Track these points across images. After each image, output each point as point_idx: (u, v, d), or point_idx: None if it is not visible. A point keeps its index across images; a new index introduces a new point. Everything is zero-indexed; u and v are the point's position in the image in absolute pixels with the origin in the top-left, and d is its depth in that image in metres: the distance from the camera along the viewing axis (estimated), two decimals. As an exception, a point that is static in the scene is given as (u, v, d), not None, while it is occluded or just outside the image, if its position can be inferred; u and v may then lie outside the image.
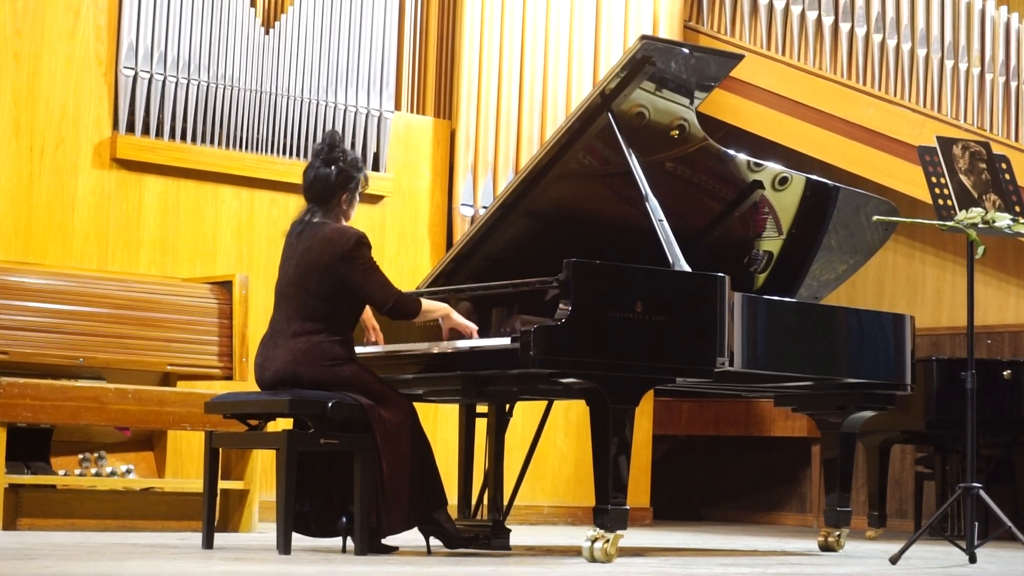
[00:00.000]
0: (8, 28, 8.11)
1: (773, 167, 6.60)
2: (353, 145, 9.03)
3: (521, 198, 6.38)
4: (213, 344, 7.59)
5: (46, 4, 8.21)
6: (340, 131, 9.00)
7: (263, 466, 7.51)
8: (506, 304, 5.82)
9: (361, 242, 5.66)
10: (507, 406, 6.24)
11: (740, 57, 6.54)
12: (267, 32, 8.90)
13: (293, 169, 8.77)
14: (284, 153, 8.89)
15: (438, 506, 5.69)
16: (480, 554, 5.86)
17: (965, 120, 9.49)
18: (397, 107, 9.43)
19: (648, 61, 6.06)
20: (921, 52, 9.63)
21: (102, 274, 7.72)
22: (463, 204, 9.51)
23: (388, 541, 5.69)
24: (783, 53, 10.06)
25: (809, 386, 6.67)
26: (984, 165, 6.33)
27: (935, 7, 9.63)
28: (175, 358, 7.50)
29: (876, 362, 6.58)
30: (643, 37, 6.09)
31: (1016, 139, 9.36)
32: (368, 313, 6.00)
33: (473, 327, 5.75)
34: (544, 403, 6.56)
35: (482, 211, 9.35)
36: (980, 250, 6.16)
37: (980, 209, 6.18)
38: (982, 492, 6.07)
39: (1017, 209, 6.29)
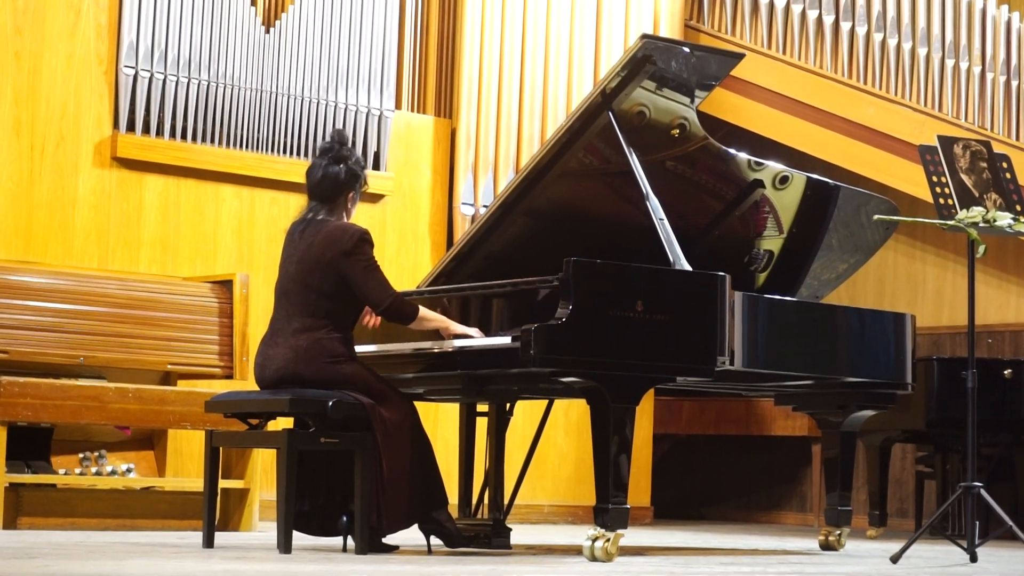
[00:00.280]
0: (9, 27, 8.11)
1: (774, 166, 6.59)
2: (353, 144, 9.02)
3: (522, 197, 6.38)
4: (214, 343, 7.59)
5: (47, 3, 8.21)
6: (334, 128, 8.99)
7: (263, 465, 7.51)
8: (507, 303, 5.82)
9: (364, 239, 5.67)
10: (507, 405, 6.24)
11: (741, 56, 6.53)
12: (267, 31, 8.90)
13: (294, 168, 8.78)
14: (285, 152, 8.89)
15: (439, 505, 5.69)
16: (481, 553, 5.86)
17: (966, 119, 9.49)
18: (398, 106, 9.43)
19: (649, 60, 6.06)
20: (922, 51, 9.63)
21: (102, 273, 7.72)
22: (463, 203, 9.51)
23: (389, 540, 5.69)
24: (784, 52, 10.06)
25: (809, 385, 6.67)
26: (985, 164, 6.32)
27: (936, 6, 9.63)
28: (175, 357, 7.50)
29: (877, 361, 6.58)
30: (644, 36, 6.09)
31: (1017, 138, 9.36)
32: None
33: (476, 331, 5.75)
34: (544, 402, 6.56)
35: (483, 210, 9.34)
36: (981, 249, 6.15)
37: (981, 208, 6.18)
38: (983, 491, 6.07)
39: (1018, 208, 6.29)
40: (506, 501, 6.19)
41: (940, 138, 6.34)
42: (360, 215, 6.06)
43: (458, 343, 5.73)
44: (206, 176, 8.65)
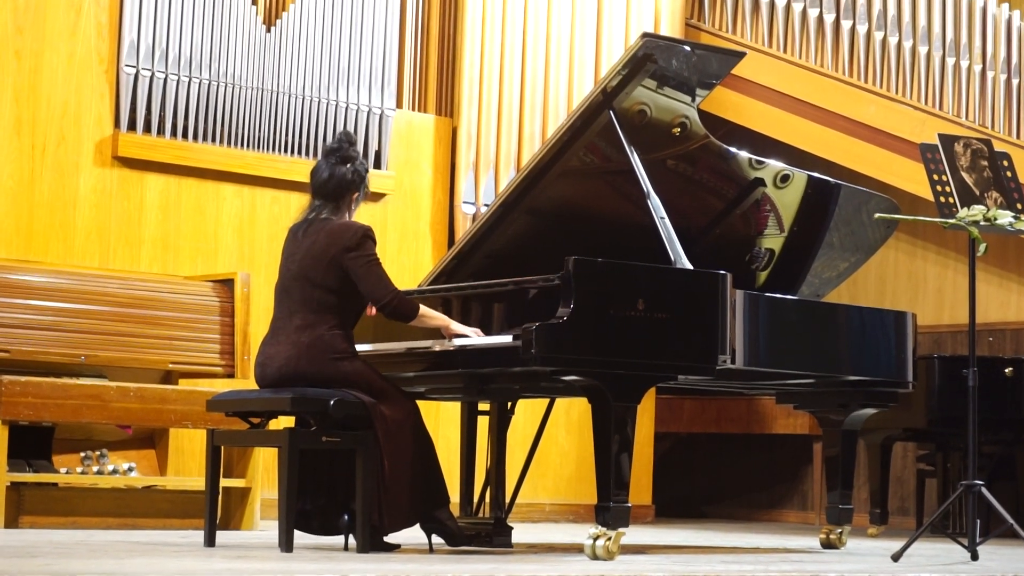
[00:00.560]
0: (9, 26, 8.11)
1: (775, 165, 6.60)
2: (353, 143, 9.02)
3: (523, 196, 6.38)
4: (215, 342, 7.59)
5: (47, 2, 8.21)
6: (341, 129, 9.00)
7: (265, 464, 7.51)
8: (508, 302, 5.82)
9: (368, 236, 5.68)
10: (509, 404, 6.24)
11: (741, 55, 6.53)
12: (268, 30, 8.90)
13: (295, 167, 8.78)
14: (286, 151, 8.89)
15: (440, 504, 5.69)
16: (482, 552, 5.86)
17: (967, 117, 9.49)
18: (399, 105, 9.43)
19: (650, 59, 6.06)
20: (922, 49, 9.63)
21: (104, 272, 7.72)
22: (464, 202, 9.51)
23: (390, 539, 5.69)
24: (784, 50, 10.06)
25: (811, 384, 6.67)
26: (986, 162, 6.32)
27: (936, 4, 9.63)
28: (177, 356, 7.51)
29: (878, 359, 6.58)
30: (644, 35, 6.09)
31: (1018, 136, 9.36)
32: None
33: (476, 330, 5.75)
34: (546, 401, 6.56)
35: (483, 209, 9.34)
36: (982, 248, 6.16)
37: (982, 207, 6.18)
38: (984, 489, 6.08)
39: (1019, 206, 6.29)
40: (507, 500, 6.19)
41: (941, 136, 6.34)
42: (361, 214, 6.06)
43: (459, 342, 5.73)
44: (207, 175, 8.65)
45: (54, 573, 4.16)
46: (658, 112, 6.24)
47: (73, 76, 8.28)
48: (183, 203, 8.59)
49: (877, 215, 6.71)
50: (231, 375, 7.63)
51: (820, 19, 9.96)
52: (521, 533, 6.78)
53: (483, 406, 6.34)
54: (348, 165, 5.79)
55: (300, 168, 8.80)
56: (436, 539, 5.79)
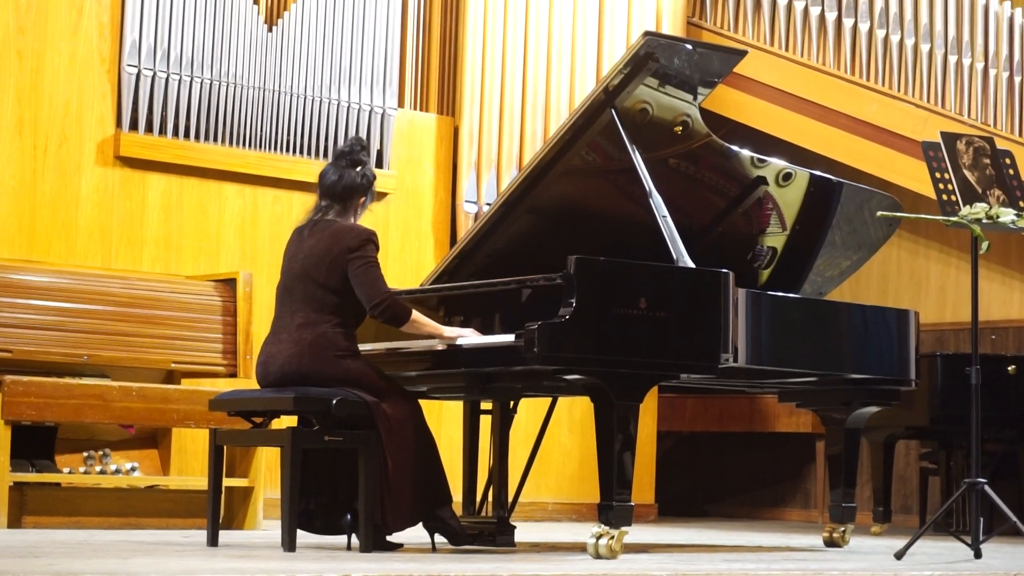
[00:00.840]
0: (11, 25, 8.12)
1: (777, 163, 6.59)
2: (356, 142, 9.02)
3: (524, 195, 6.38)
4: (217, 342, 7.59)
5: (49, 2, 8.22)
6: (343, 128, 9.01)
7: (267, 463, 7.51)
8: (510, 301, 5.82)
9: (370, 240, 5.69)
10: (511, 403, 6.24)
11: (743, 53, 6.53)
12: (270, 29, 8.90)
13: (296, 166, 8.78)
14: (287, 150, 8.89)
15: (443, 503, 5.69)
16: (485, 551, 5.86)
17: (969, 115, 9.48)
18: (400, 104, 9.43)
19: (651, 57, 6.05)
20: (924, 47, 9.63)
21: (106, 272, 7.72)
22: (467, 201, 9.51)
23: (393, 538, 5.69)
24: (786, 49, 10.06)
25: (813, 382, 6.67)
26: (988, 160, 6.32)
27: (938, 2, 9.63)
28: (179, 356, 7.51)
29: (880, 358, 6.57)
30: (646, 33, 6.08)
31: (1020, 134, 9.35)
32: None
33: (470, 330, 5.75)
34: (548, 400, 6.56)
35: (485, 208, 9.35)
36: (984, 245, 6.15)
37: (984, 204, 6.18)
38: (987, 487, 6.07)
39: (1021, 204, 6.28)
40: (510, 499, 6.19)
41: (943, 134, 6.34)
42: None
43: (462, 341, 5.72)
44: (209, 175, 8.65)
45: (57, 573, 4.16)
46: (660, 111, 6.24)
47: (75, 76, 8.29)
48: (185, 203, 8.59)
49: (879, 213, 6.70)
50: (233, 375, 7.63)
51: (822, 17, 9.95)
52: (524, 532, 6.78)
53: (485, 405, 6.34)
54: (358, 169, 5.81)
55: (302, 168, 8.80)
56: (439, 538, 5.78)
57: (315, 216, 5.81)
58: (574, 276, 5.51)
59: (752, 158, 6.52)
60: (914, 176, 9.29)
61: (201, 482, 6.96)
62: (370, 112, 9.14)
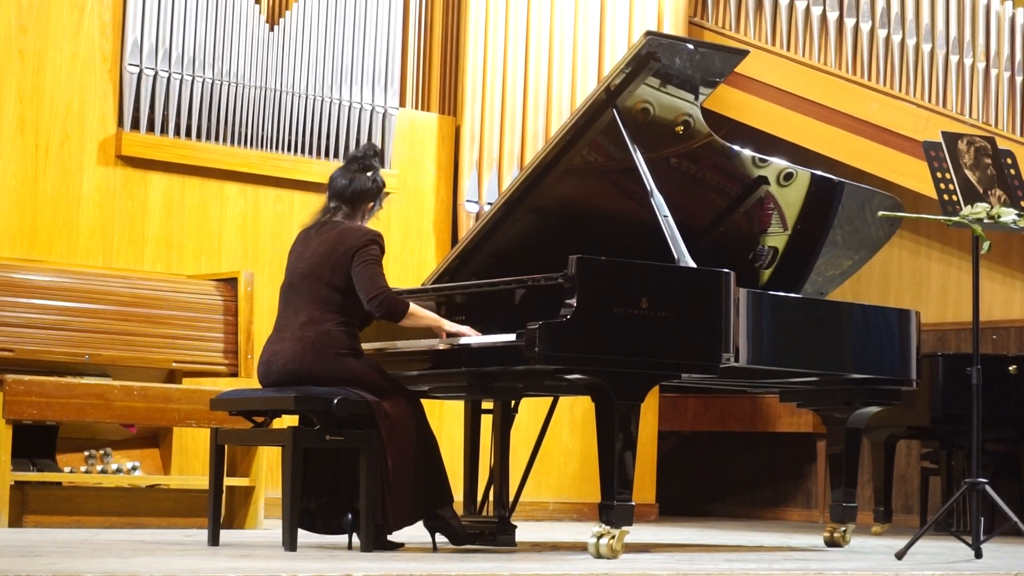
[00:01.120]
0: (13, 25, 8.12)
1: (778, 163, 6.59)
2: (358, 142, 9.03)
3: (526, 194, 6.38)
4: (218, 341, 7.60)
5: (50, 1, 8.22)
6: (345, 128, 9.02)
7: (269, 463, 7.51)
8: (511, 300, 5.82)
9: (375, 241, 5.70)
10: (512, 402, 6.24)
11: (745, 53, 6.53)
12: (272, 29, 8.90)
13: (298, 166, 8.78)
14: (289, 150, 8.89)
15: (444, 502, 5.69)
16: (486, 550, 5.86)
17: (970, 115, 9.48)
18: (402, 104, 9.43)
19: (653, 57, 6.05)
20: (926, 47, 9.63)
21: (107, 271, 7.72)
22: (468, 200, 9.51)
23: (394, 537, 5.69)
24: (788, 49, 10.06)
25: (814, 382, 6.67)
26: (989, 160, 6.32)
27: (940, 2, 9.63)
28: (180, 355, 7.51)
29: (881, 358, 6.57)
30: (648, 33, 6.08)
31: (1022, 134, 9.35)
32: None
33: (469, 329, 5.75)
34: (549, 399, 6.56)
35: (487, 207, 9.34)
36: (985, 245, 6.15)
37: (985, 204, 6.18)
38: (988, 487, 6.07)
39: (1022, 204, 6.28)
40: (511, 498, 6.19)
41: (944, 134, 6.34)
42: (365, 212, 6.07)
43: (462, 340, 5.73)
44: (210, 174, 8.65)
45: (58, 572, 4.17)
46: (661, 110, 6.24)
47: (77, 75, 8.29)
48: (187, 202, 8.59)
49: (880, 213, 6.70)
50: (235, 374, 7.63)
51: (823, 17, 9.95)
52: (525, 532, 6.78)
53: (486, 405, 6.34)
54: (369, 174, 5.83)
55: (304, 167, 8.80)
56: (440, 538, 5.79)
57: (323, 217, 5.82)
58: (575, 276, 5.51)
59: (753, 158, 6.52)
60: (915, 176, 9.29)
61: (202, 481, 6.96)
62: (371, 111, 9.14)
